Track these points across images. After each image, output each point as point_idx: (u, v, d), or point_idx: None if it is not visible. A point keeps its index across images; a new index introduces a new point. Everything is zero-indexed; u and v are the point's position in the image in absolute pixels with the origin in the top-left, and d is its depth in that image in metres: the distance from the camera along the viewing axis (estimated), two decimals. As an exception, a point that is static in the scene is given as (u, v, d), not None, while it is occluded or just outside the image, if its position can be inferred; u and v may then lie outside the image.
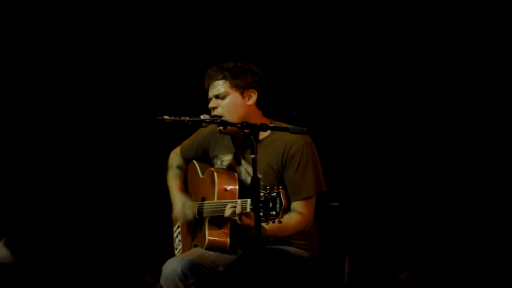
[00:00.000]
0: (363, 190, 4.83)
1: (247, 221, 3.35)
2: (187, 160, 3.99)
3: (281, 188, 3.23)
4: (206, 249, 3.58)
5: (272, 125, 3.58)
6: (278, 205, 3.19)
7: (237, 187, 3.62)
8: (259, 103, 3.69)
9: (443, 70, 4.79)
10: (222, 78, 3.64)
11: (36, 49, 4.84)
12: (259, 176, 3.57)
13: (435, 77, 4.82)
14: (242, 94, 3.65)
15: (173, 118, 3.45)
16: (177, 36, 5.02)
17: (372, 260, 4.76)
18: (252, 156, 3.26)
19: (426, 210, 4.79)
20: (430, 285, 4.63)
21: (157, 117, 3.46)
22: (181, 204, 3.83)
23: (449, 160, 4.78)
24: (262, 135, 3.64)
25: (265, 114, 3.72)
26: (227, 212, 3.40)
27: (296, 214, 3.54)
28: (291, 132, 3.45)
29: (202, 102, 3.75)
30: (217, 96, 3.65)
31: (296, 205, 3.57)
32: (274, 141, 3.65)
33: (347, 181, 4.75)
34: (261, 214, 3.20)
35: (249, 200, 3.31)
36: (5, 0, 4.77)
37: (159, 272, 3.61)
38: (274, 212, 3.20)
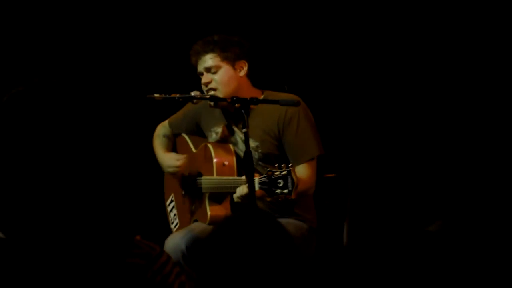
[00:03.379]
0: (358, 160, 4.83)
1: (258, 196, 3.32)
2: (175, 134, 3.96)
3: (290, 166, 3.21)
4: (208, 224, 3.57)
5: (262, 99, 3.55)
6: (290, 183, 3.17)
7: (234, 160, 3.60)
8: (248, 74, 3.66)
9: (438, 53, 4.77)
10: (211, 52, 3.57)
11: (19, 29, 4.78)
12: (256, 143, 3.57)
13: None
14: (233, 66, 3.59)
15: (163, 96, 3.43)
16: (163, 11, 4.97)
17: (369, 227, 4.76)
18: (244, 130, 3.26)
19: (422, 177, 4.79)
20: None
21: (147, 95, 3.45)
22: (169, 157, 3.84)
23: (443, 127, 4.77)
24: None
25: (255, 84, 3.69)
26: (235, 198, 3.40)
27: (301, 177, 3.47)
28: (281, 105, 3.45)
29: (191, 79, 3.72)
30: (208, 70, 3.58)
31: (300, 168, 3.52)
32: (267, 107, 3.59)
33: (341, 152, 4.74)
34: (272, 192, 3.20)
35: (256, 179, 3.27)
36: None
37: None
38: (286, 190, 3.18)
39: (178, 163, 3.80)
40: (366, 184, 4.75)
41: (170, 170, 3.85)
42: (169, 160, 3.84)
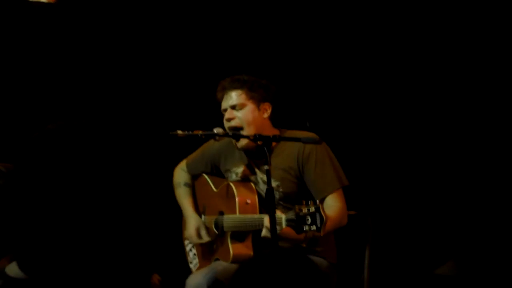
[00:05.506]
0: (379, 198, 4.82)
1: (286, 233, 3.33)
2: (194, 176, 3.98)
3: (319, 203, 3.20)
4: (231, 262, 3.57)
5: (284, 136, 3.58)
6: (318, 220, 3.17)
7: (256, 199, 3.61)
8: (270, 116, 3.70)
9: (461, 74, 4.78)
10: (239, 89, 3.62)
11: (47, 66, 4.86)
12: (277, 183, 3.58)
13: (455, 84, 4.81)
14: (258, 106, 3.63)
15: (186, 132, 3.45)
16: (189, 51, 5.03)
17: (390, 267, 4.74)
18: (266, 167, 3.27)
19: (441, 214, 4.78)
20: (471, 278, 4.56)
21: (171, 132, 3.48)
22: (195, 226, 3.82)
23: (463, 165, 4.76)
24: (273, 143, 3.63)
25: (275, 124, 3.73)
26: (264, 233, 3.39)
27: (330, 208, 3.49)
28: (303, 142, 3.47)
29: (213, 116, 3.75)
30: (233, 107, 3.62)
31: (328, 200, 3.54)
32: (286, 147, 3.64)
33: (362, 190, 4.74)
34: (301, 229, 3.20)
35: (283, 216, 3.28)
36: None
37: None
38: (314, 227, 3.17)
39: (197, 241, 3.81)
40: (387, 221, 4.74)
41: (188, 238, 3.88)
42: (193, 229, 3.83)
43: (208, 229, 3.81)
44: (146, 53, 4.99)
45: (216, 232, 3.73)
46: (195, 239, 3.81)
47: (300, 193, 3.57)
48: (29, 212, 1.67)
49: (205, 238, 3.79)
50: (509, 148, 4.62)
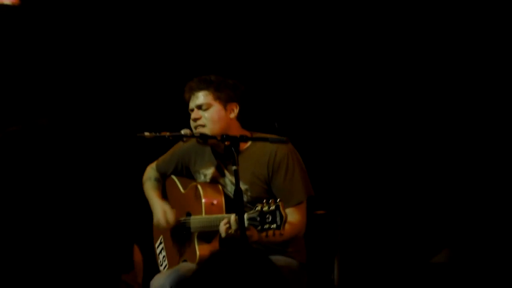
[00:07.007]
0: (348, 197, 4.85)
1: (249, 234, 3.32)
2: (163, 175, 3.97)
3: (279, 201, 3.23)
4: (197, 264, 3.56)
5: (251, 136, 3.59)
6: (278, 218, 3.19)
7: (223, 200, 3.61)
8: (238, 116, 3.71)
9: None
10: (205, 89, 3.63)
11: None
12: (245, 186, 3.59)
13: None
14: (225, 107, 3.64)
15: (153, 134, 3.45)
16: (157, 52, 5.02)
17: (360, 264, 4.77)
18: (234, 168, 3.28)
19: (410, 213, 4.81)
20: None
21: (138, 134, 3.47)
22: (161, 210, 3.80)
23: (432, 164, 4.80)
24: (243, 145, 3.64)
25: (244, 125, 3.73)
26: (222, 231, 3.38)
27: (290, 221, 3.49)
28: (271, 142, 3.48)
29: (180, 117, 3.75)
30: (199, 107, 3.63)
31: (289, 212, 3.51)
32: (256, 150, 3.65)
33: (331, 189, 4.76)
34: (261, 227, 3.22)
35: (245, 215, 3.28)
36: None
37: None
38: (274, 225, 3.20)
39: (165, 224, 3.79)
40: (357, 220, 4.76)
41: (156, 224, 3.86)
42: (160, 213, 3.80)
43: (177, 231, 3.80)
44: (115, 56, 4.96)
45: (184, 233, 3.73)
46: (163, 223, 3.78)
47: (268, 198, 3.57)
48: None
49: (172, 222, 3.76)
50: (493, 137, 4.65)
